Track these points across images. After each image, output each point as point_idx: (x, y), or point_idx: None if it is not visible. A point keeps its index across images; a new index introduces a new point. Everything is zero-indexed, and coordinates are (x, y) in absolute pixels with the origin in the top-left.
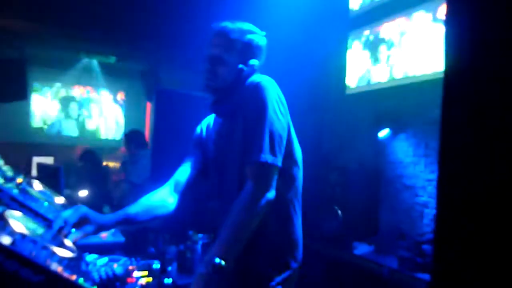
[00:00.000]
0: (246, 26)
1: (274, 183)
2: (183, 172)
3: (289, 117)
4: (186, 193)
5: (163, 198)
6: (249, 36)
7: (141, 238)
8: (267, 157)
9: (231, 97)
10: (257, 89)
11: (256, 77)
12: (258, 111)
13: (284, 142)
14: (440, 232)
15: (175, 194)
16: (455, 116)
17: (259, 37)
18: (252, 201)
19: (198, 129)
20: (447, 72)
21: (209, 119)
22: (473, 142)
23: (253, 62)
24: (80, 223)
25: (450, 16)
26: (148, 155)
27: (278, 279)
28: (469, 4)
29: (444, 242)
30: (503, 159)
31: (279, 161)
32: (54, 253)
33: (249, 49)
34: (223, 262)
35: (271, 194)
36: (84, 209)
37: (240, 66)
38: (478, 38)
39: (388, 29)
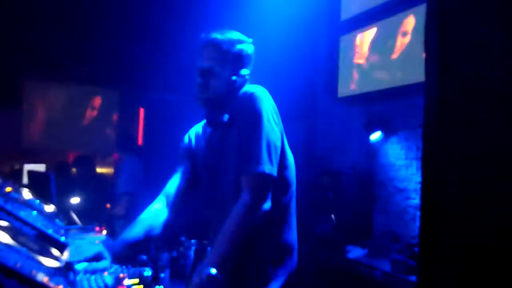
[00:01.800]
0: (235, 35)
1: (270, 194)
2: (173, 183)
3: (281, 125)
4: (178, 203)
5: (158, 215)
6: (239, 46)
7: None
8: (264, 168)
9: (224, 108)
10: (252, 99)
11: (250, 87)
12: (254, 122)
13: (279, 151)
14: (424, 236)
15: (166, 209)
16: (437, 121)
17: (248, 46)
18: (249, 212)
19: (186, 138)
20: (428, 76)
21: (197, 128)
22: (455, 145)
23: (244, 72)
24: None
25: (430, 20)
26: (135, 160)
27: (275, 284)
28: (447, 9)
29: (429, 246)
30: (487, 162)
31: (275, 171)
32: (40, 264)
33: (239, 59)
34: (216, 273)
35: (267, 205)
36: (101, 248)
37: (233, 77)
38: (460, 41)
39: (379, 33)
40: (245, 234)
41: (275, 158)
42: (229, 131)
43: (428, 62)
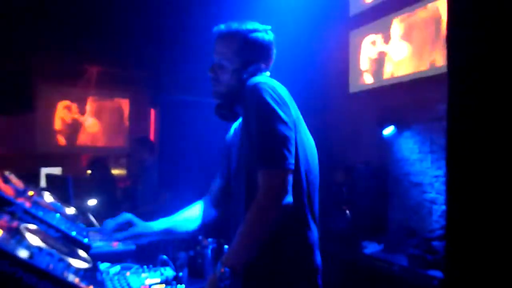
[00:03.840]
0: (245, 25)
1: (289, 188)
2: (215, 183)
3: (296, 116)
4: (220, 202)
5: (200, 210)
6: (249, 36)
7: (151, 245)
8: (276, 162)
9: (236, 102)
10: (253, 92)
11: (254, 79)
12: (256, 116)
13: (292, 141)
14: (451, 230)
15: (209, 208)
16: (462, 111)
17: (260, 34)
18: (265, 210)
19: (228, 135)
20: (451, 67)
21: (235, 125)
22: (480, 135)
23: (256, 62)
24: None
25: (452, 10)
26: (156, 162)
27: (301, 285)
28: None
29: (456, 240)
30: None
31: (288, 164)
32: (70, 265)
33: (249, 50)
34: (229, 271)
35: (287, 200)
36: (129, 216)
37: (242, 69)
38: (481, 29)
39: (390, 26)
40: (263, 232)
41: (287, 150)
42: (240, 126)
43: (450, 55)
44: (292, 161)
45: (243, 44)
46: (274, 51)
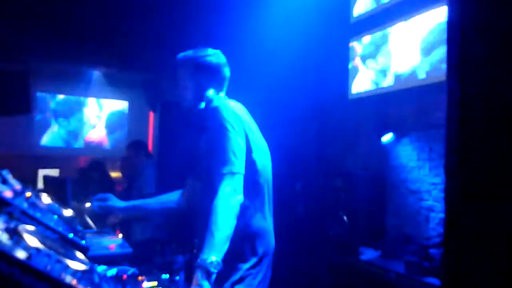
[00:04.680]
0: (197, 52)
1: (237, 187)
2: (188, 180)
3: (244, 130)
4: (189, 198)
5: (177, 195)
6: (200, 61)
7: (148, 249)
8: (229, 168)
9: (200, 115)
10: (212, 113)
11: (214, 102)
12: (216, 132)
13: (240, 149)
14: (448, 238)
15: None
16: (460, 118)
17: (209, 59)
18: (222, 209)
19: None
20: (450, 73)
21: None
22: (479, 143)
23: (208, 82)
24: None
25: (452, 16)
26: (152, 165)
27: (245, 266)
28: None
29: (453, 248)
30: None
31: (239, 168)
32: (68, 266)
33: (201, 73)
34: (217, 260)
35: (237, 198)
36: (110, 195)
37: (196, 88)
38: (481, 38)
39: (390, 33)
40: (228, 228)
41: (239, 157)
42: (202, 137)
43: (449, 69)
44: (239, 165)
45: (195, 68)
46: (225, 70)
